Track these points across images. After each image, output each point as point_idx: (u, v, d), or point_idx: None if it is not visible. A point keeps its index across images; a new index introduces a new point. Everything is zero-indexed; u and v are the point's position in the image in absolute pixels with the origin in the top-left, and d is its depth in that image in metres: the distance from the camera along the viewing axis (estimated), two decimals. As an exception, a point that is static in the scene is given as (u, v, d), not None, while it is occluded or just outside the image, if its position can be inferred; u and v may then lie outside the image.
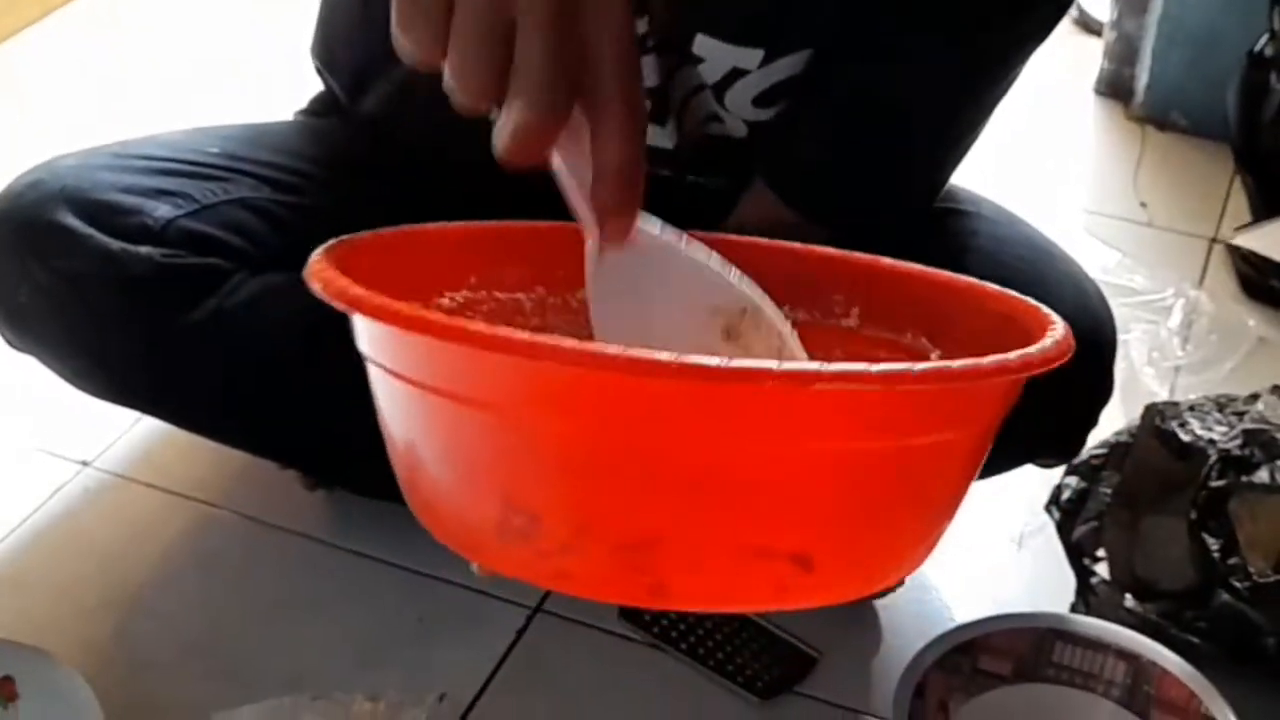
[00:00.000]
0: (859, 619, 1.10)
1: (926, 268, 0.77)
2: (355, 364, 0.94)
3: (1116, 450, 1.14)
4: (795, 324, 0.70)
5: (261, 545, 1.14)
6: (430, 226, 0.74)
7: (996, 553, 1.18)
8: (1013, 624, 1.01)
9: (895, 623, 1.09)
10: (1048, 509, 1.16)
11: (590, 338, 0.65)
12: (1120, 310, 1.04)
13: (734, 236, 0.78)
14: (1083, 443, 1.05)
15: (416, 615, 1.02)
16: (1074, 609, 1.07)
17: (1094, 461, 1.14)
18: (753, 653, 1.05)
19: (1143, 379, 1.37)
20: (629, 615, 1.06)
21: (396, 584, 1.11)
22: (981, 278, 0.75)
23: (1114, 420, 1.17)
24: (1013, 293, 0.71)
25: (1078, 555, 1.10)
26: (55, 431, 1.22)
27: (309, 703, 0.91)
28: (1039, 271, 0.99)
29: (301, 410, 1.03)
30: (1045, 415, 0.98)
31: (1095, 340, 0.99)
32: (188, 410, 1.06)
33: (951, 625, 1.01)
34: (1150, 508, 1.11)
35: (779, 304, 0.69)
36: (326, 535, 1.14)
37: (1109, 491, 1.12)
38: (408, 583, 1.11)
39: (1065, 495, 1.14)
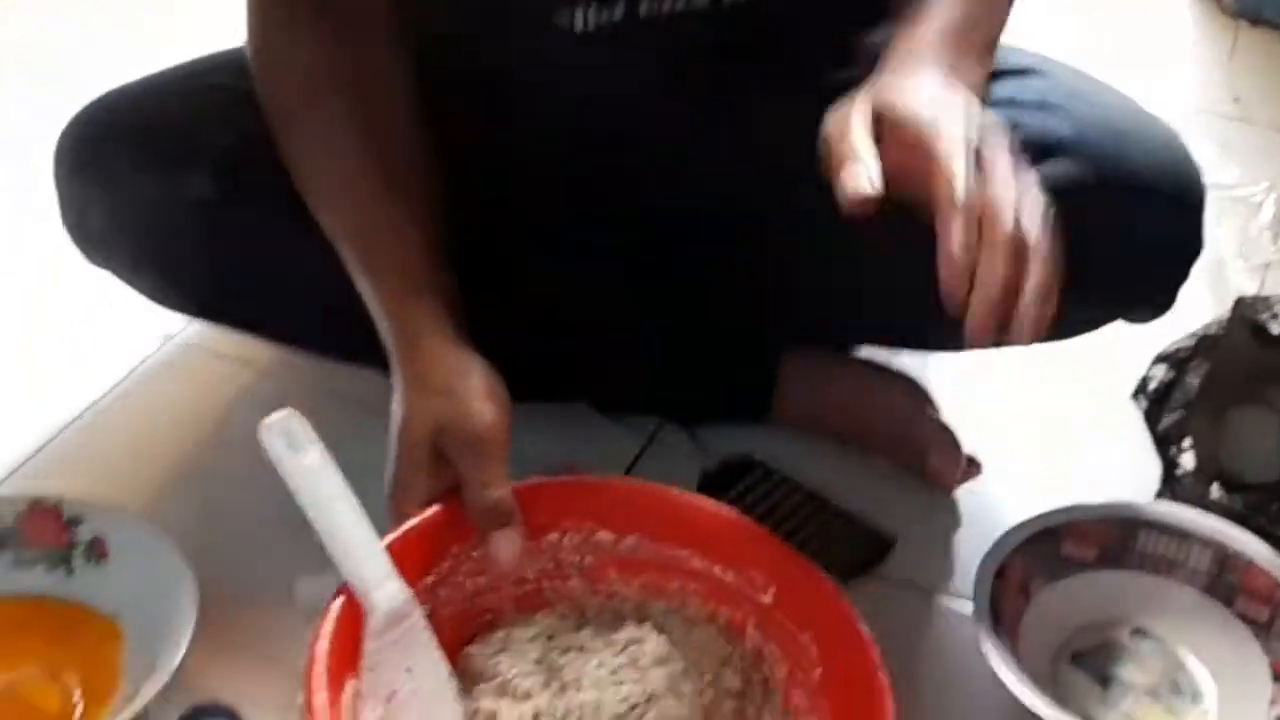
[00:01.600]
0: (937, 504, 1.09)
1: (833, 587, 0.87)
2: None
3: (1205, 341, 1.13)
4: (719, 582, 0.90)
5: (344, 420, 1.12)
6: (420, 521, 0.88)
7: (1080, 441, 1.16)
8: (1099, 512, 1.00)
9: (974, 508, 1.09)
10: (1134, 398, 1.15)
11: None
12: (1211, 206, 1.02)
13: (679, 493, 0.93)
14: (1174, 298, 1.03)
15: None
16: (1159, 498, 1.06)
17: (1182, 352, 1.13)
18: (831, 535, 1.05)
19: (1232, 274, 1.35)
20: (709, 494, 1.06)
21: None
22: (1082, 118, 0.93)
23: (1203, 313, 1.15)
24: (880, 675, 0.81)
25: (1164, 445, 1.09)
26: (139, 305, 1.23)
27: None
28: (1134, 118, 0.99)
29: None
30: (1139, 265, 0.98)
31: (1187, 189, 0.99)
32: (262, 325, 1.09)
33: (1031, 513, 1.01)
34: (1238, 399, 1.09)
35: (709, 562, 0.91)
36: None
37: (1196, 382, 1.10)
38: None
39: (1152, 385, 1.13)
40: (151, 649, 0.90)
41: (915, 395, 1.11)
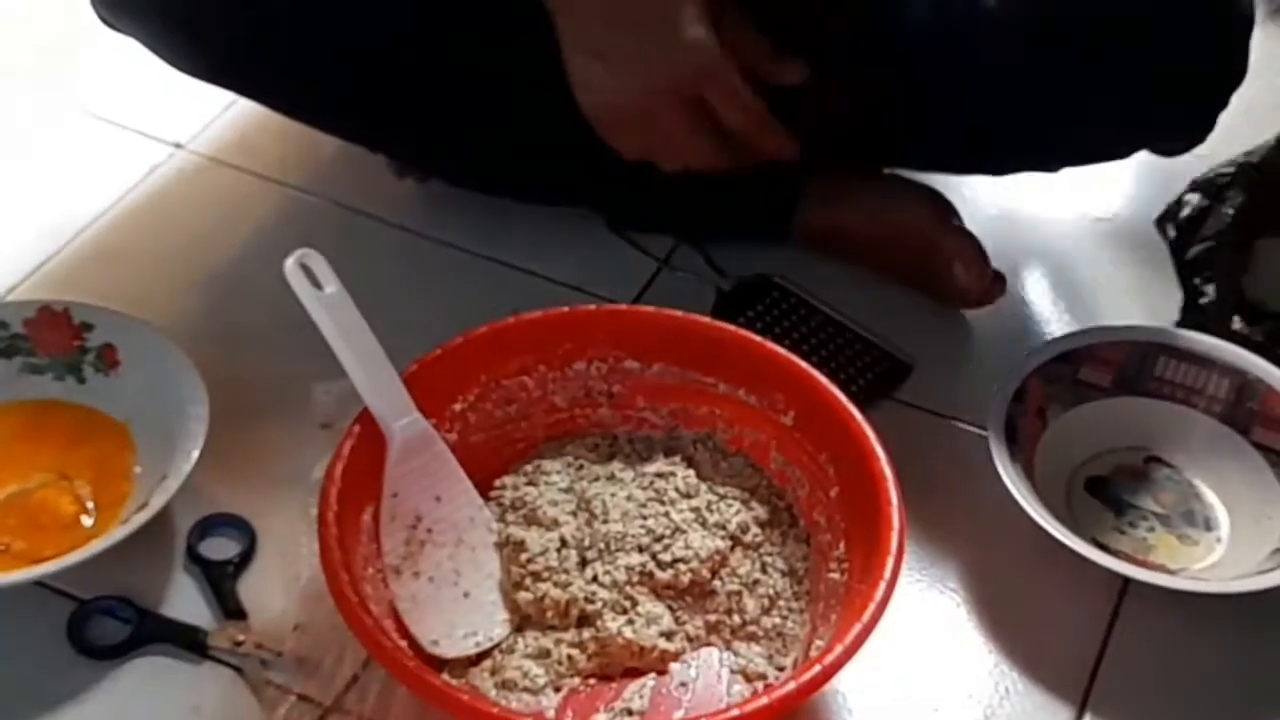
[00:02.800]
0: (955, 328, 1.08)
1: (851, 409, 0.86)
2: (458, 46, 0.92)
3: (1244, 170, 1.10)
4: (743, 405, 0.91)
5: (352, 231, 1.13)
6: (443, 350, 0.89)
7: (1100, 267, 1.15)
8: (1117, 335, 0.99)
9: (992, 332, 1.07)
10: (1159, 224, 1.13)
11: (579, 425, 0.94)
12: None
13: (703, 320, 0.94)
14: (1210, 127, 0.99)
15: (510, 306, 1.01)
16: (1179, 326, 1.05)
17: (1220, 179, 1.10)
18: (849, 358, 1.04)
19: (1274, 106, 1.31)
20: (725, 315, 1.04)
21: (488, 275, 1.10)
22: None
23: (1244, 142, 1.13)
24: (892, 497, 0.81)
25: (1189, 273, 1.08)
26: (151, 113, 1.21)
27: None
28: None
29: (399, 90, 1.01)
30: (1175, 88, 0.95)
31: (1232, 9, 0.94)
32: (283, 88, 1.04)
33: (1049, 338, 1.00)
34: (1269, 230, 1.07)
35: (733, 386, 0.91)
36: (417, 225, 1.13)
37: (1231, 212, 1.08)
38: (499, 274, 1.10)
39: (1184, 212, 1.11)
40: (162, 458, 0.90)
41: (940, 205, 1.09)
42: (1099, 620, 0.89)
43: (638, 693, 0.82)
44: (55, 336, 0.96)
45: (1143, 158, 1.06)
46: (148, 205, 1.15)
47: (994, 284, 1.06)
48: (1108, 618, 0.89)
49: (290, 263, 0.83)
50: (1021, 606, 0.90)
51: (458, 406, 0.90)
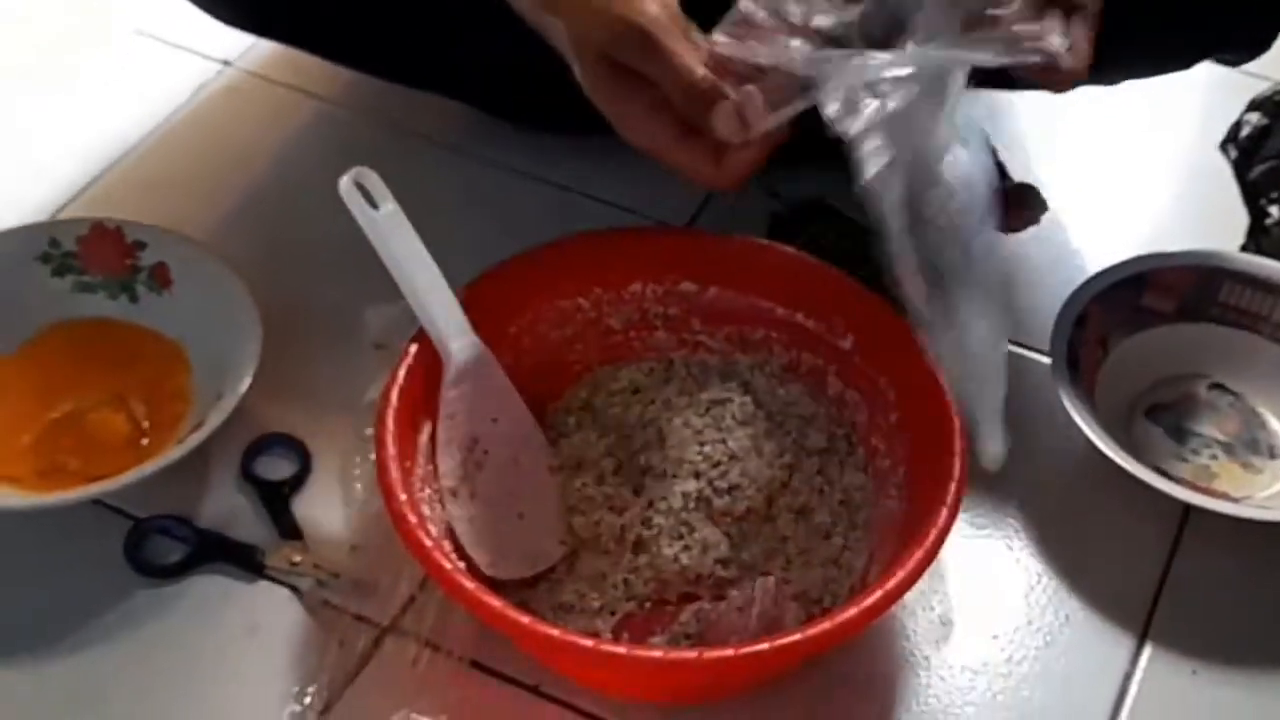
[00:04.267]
0: (1015, 251, 1.06)
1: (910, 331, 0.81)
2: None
3: (1307, 86, 1.08)
4: (800, 329, 0.90)
5: (402, 152, 1.12)
6: (497, 271, 0.88)
7: (1162, 189, 1.13)
8: (1180, 260, 0.97)
9: (1052, 258, 1.06)
10: (1223, 147, 1.10)
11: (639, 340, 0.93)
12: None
13: (759, 241, 0.94)
14: (1274, 36, 0.96)
15: (562, 229, 1.00)
16: (1244, 250, 1.03)
17: (1278, 98, 1.08)
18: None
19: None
20: (780, 238, 1.03)
21: (540, 197, 1.09)
22: None
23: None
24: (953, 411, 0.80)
25: (1253, 195, 1.05)
26: (199, 30, 1.20)
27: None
28: None
29: (443, 37, 0.99)
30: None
31: None
32: (325, 36, 1.04)
33: (1110, 262, 0.98)
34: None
35: (790, 310, 0.90)
36: (468, 145, 1.12)
37: (1293, 130, 1.06)
38: (551, 196, 1.09)
39: (1244, 132, 1.08)
40: (216, 378, 0.90)
41: None
42: (1160, 548, 0.88)
43: (694, 617, 0.82)
44: (107, 255, 0.95)
45: (1207, 79, 1.04)
46: (196, 124, 1.15)
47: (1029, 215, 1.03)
48: (1169, 546, 0.88)
49: (345, 181, 0.82)
50: (1082, 534, 0.89)
51: (512, 329, 0.89)
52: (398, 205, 0.83)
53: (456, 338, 0.83)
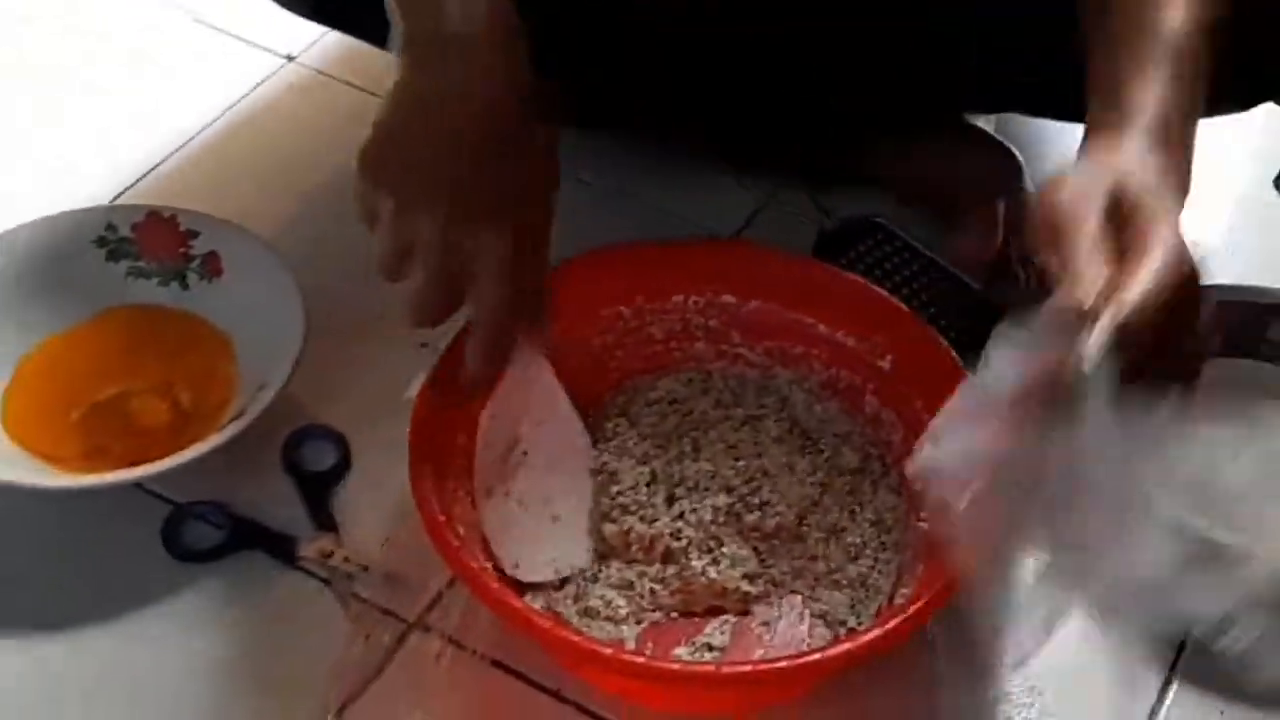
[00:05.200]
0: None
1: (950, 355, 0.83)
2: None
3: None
4: (840, 347, 0.89)
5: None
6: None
7: (1215, 223, 1.12)
8: (1230, 295, 0.96)
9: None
10: (1276, 183, 1.09)
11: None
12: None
13: (803, 258, 0.96)
14: None
15: (611, 233, 1.01)
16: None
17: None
18: (950, 304, 1.01)
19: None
20: (826, 255, 1.03)
21: (591, 200, 1.09)
22: None
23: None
24: None
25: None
26: (263, 24, 1.22)
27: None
28: None
29: None
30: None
31: None
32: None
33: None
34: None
35: (831, 327, 0.90)
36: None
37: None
38: (601, 200, 1.09)
39: (1301, 170, 1.07)
40: (261, 368, 0.91)
41: (1007, 168, 1.07)
42: (1192, 585, 0.88)
43: (719, 629, 0.82)
44: (162, 242, 0.97)
45: (1263, 114, 1.03)
46: (255, 117, 1.16)
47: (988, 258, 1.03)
48: (1203, 581, 0.88)
49: None
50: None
51: (553, 333, 0.89)
52: None
53: None
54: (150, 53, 1.22)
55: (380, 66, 1.16)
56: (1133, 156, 0.71)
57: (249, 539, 0.87)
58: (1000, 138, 1.10)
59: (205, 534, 0.87)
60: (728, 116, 1.07)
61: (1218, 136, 1.12)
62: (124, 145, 1.12)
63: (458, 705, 0.79)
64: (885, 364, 0.88)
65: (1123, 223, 0.68)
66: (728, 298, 0.92)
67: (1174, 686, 0.83)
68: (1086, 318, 0.65)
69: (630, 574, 0.83)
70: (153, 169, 1.10)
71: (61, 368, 0.93)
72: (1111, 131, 0.72)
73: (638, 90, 1.05)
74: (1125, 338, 0.64)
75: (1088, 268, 0.66)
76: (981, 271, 1.03)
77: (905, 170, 1.08)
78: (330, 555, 0.86)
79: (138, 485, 0.88)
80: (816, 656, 0.73)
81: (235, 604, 0.85)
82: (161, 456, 0.86)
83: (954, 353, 0.85)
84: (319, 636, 0.83)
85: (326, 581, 0.85)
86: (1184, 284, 0.67)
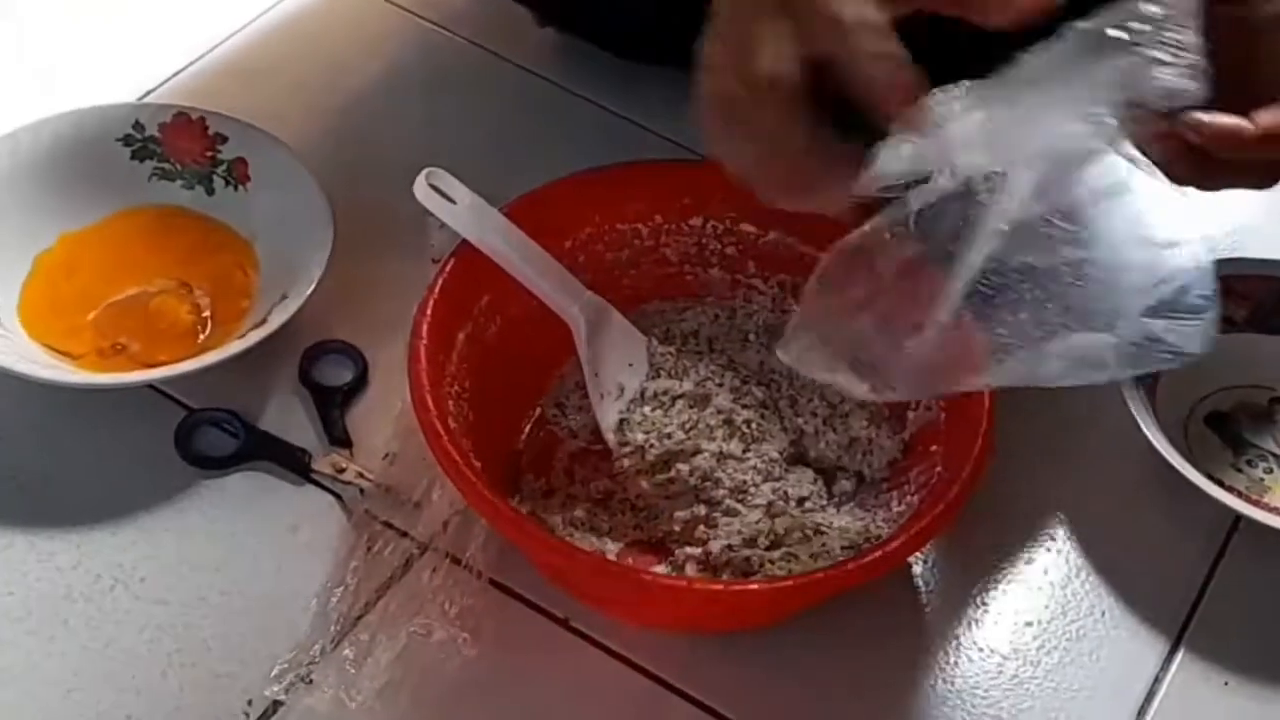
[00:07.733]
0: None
1: None
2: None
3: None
4: None
5: (488, 74, 1.11)
6: (555, 184, 0.87)
7: (1245, 194, 1.11)
8: (1258, 269, 0.96)
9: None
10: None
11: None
12: None
13: None
14: None
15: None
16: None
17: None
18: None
19: None
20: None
21: (619, 131, 1.08)
22: None
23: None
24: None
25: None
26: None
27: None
28: None
29: None
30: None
31: None
32: None
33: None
34: None
35: None
36: (553, 74, 1.11)
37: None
38: (630, 132, 1.08)
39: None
40: (283, 279, 0.90)
41: None
42: (1205, 556, 0.87)
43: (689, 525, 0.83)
44: (189, 144, 0.95)
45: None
46: (287, 25, 1.14)
47: None
48: (1214, 555, 0.88)
49: (420, 185, 0.82)
50: (1127, 532, 0.88)
51: (568, 243, 0.88)
52: (475, 195, 0.83)
53: (573, 302, 0.84)
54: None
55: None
56: None
57: (262, 449, 0.87)
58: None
59: (219, 441, 0.87)
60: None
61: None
62: (152, 45, 1.10)
63: (456, 621, 0.79)
64: None
65: None
66: (746, 226, 0.91)
67: (1179, 655, 0.83)
68: None
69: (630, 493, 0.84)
70: (182, 70, 1.09)
71: (81, 265, 0.92)
72: None
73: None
74: None
75: None
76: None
77: None
78: (343, 470, 0.85)
79: (153, 387, 0.87)
80: (819, 576, 0.73)
81: (246, 513, 0.84)
82: (178, 359, 0.85)
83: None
84: (329, 550, 0.83)
85: (338, 496, 0.85)
86: None
